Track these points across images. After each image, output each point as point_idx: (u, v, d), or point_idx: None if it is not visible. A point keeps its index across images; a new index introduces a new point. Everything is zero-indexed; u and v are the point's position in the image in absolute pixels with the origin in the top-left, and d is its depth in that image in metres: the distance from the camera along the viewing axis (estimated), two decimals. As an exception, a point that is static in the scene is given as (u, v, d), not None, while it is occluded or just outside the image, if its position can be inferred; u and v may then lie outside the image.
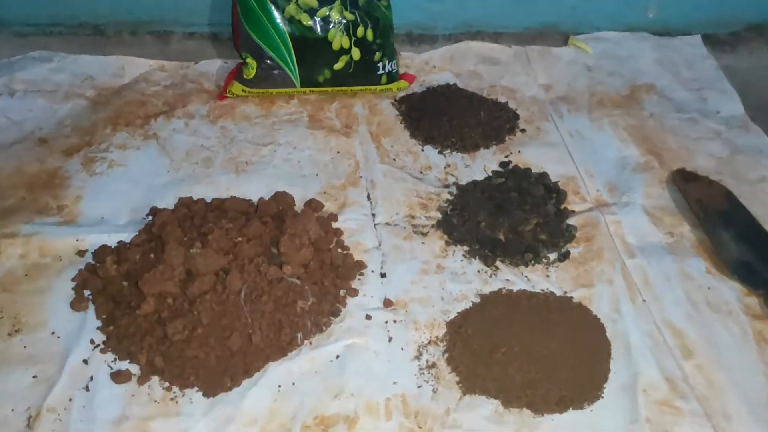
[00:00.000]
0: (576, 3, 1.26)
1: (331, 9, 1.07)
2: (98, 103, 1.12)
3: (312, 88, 1.13)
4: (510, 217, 0.92)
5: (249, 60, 1.09)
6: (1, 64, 1.18)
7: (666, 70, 1.23)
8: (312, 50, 1.08)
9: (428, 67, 1.23)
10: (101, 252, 0.86)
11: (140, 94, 1.14)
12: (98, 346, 0.77)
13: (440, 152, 1.06)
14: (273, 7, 1.05)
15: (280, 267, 0.82)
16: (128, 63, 1.20)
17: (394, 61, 1.14)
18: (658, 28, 1.30)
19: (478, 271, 0.87)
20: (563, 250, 0.90)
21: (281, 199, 0.93)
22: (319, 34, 1.07)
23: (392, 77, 1.14)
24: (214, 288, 0.78)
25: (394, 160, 1.04)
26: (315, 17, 1.06)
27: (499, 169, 1.02)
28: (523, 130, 1.10)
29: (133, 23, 1.24)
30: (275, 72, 1.09)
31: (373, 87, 1.14)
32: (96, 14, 1.22)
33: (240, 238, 0.84)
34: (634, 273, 0.87)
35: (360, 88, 1.14)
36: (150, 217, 0.92)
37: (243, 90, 1.11)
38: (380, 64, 1.12)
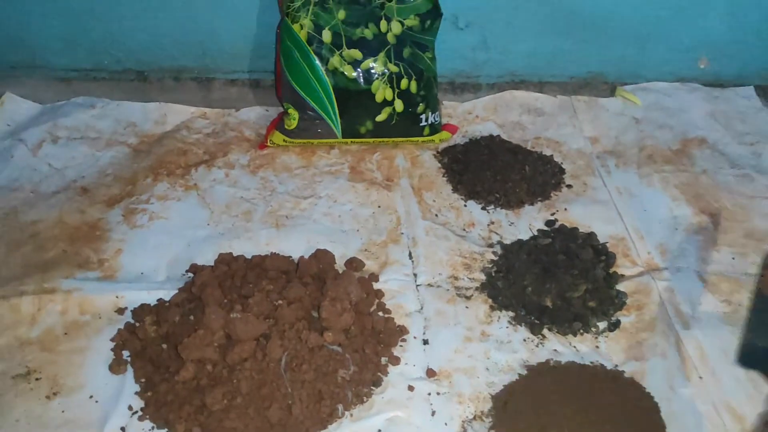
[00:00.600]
0: (624, 52, 1.23)
1: (375, 61, 1.05)
2: (140, 151, 1.12)
3: (353, 139, 1.11)
4: (557, 281, 0.88)
5: (291, 110, 1.08)
6: (45, 109, 1.19)
7: (718, 123, 1.19)
8: (355, 102, 1.07)
9: (471, 116, 1.21)
10: (140, 311, 0.85)
11: (181, 142, 1.14)
12: (136, 412, 0.75)
13: (483, 208, 1.03)
14: (317, 59, 1.04)
15: (320, 333, 0.80)
16: (170, 110, 1.20)
17: (437, 113, 1.12)
18: (710, 78, 1.27)
19: (524, 340, 0.84)
20: (613, 320, 0.86)
21: (322, 257, 0.91)
22: (363, 86, 1.06)
23: (435, 128, 1.13)
24: (254, 355, 0.77)
25: (437, 215, 1.02)
26: (358, 69, 1.05)
27: (545, 228, 0.99)
28: (569, 186, 1.07)
29: (176, 69, 1.24)
30: (317, 123, 1.08)
31: (416, 138, 1.12)
32: (139, 60, 1.23)
33: (280, 302, 0.82)
34: (689, 346, 0.82)
35: (402, 140, 1.12)
36: (189, 275, 0.91)
37: (284, 140, 1.10)
38: (423, 116, 1.10)
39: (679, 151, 1.14)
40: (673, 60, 1.25)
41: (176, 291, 0.87)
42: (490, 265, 0.93)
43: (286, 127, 1.09)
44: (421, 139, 1.13)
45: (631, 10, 1.19)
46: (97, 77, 1.24)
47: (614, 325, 0.85)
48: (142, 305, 0.86)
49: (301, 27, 1.04)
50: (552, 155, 1.12)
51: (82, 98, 1.21)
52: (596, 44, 1.22)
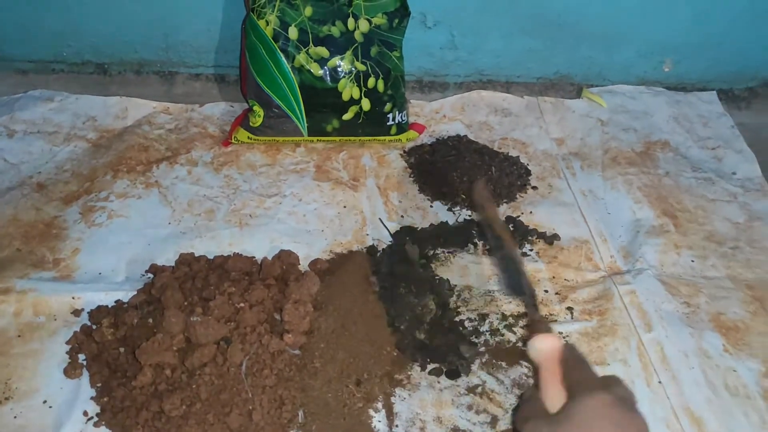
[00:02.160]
0: (590, 54, 1.24)
1: (342, 59, 1.04)
2: (99, 147, 1.09)
3: (320, 138, 1.10)
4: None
5: (256, 108, 1.06)
6: (0, 102, 1.15)
7: (681, 127, 1.20)
8: (321, 100, 1.06)
9: (438, 116, 1.21)
10: (97, 313, 0.83)
11: (143, 138, 1.11)
12: (92, 418, 0.73)
13: (450, 209, 1.03)
14: (282, 56, 1.02)
15: (282, 336, 0.79)
16: (131, 104, 1.17)
17: (405, 112, 1.12)
18: (673, 81, 1.28)
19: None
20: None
21: (285, 258, 0.90)
22: (329, 84, 1.04)
23: (402, 128, 1.12)
24: (214, 360, 0.75)
25: (402, 216, 1.01)
26: (325, 66, 1.04)
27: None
28: (534, 188, 1.07)
29: (138, 62, 1.21)
30: (282, 120, 1.07)
31: (383, 138, 1.11)
32: (100, 52, 1.19)
33: (242, 304, 0.81)
34: (651, 349, 0.83)
35: (369, 139, 1.12)
36: (149, 275, 0.89)
37: (249, 137, 1.09)
38: (390, 115, 1.09)
39: (642, 154, 1.15)
40: (638, 63, 1.26)
41: (135, 292, 0.85)
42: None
43: (251, 124, 1.08)
44: (388, 138, 1.12)
45: (598, 12, 1.19)
46: (55, 69, 1.20)
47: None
48: (99, 307, 0.83)
49: (267, 23, 1.02)
50: (518, 156, 1.12)
51: (40, 91, 1.18)
52: (563, 45, 1.23)
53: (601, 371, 0.79)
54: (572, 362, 0.67)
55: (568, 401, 0.62)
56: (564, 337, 0.85)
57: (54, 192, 1.00)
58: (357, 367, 0.78)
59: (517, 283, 0.80)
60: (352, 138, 1.11)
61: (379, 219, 0.99)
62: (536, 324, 0.72)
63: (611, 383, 0.63)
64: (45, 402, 0.74)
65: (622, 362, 0.82)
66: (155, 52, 1.20)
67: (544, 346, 0.68)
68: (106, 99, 1.18)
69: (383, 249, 0.94)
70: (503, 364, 0.82)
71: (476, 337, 0.84)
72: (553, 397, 0.64)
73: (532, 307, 0.78)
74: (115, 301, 0.85)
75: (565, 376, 0.65)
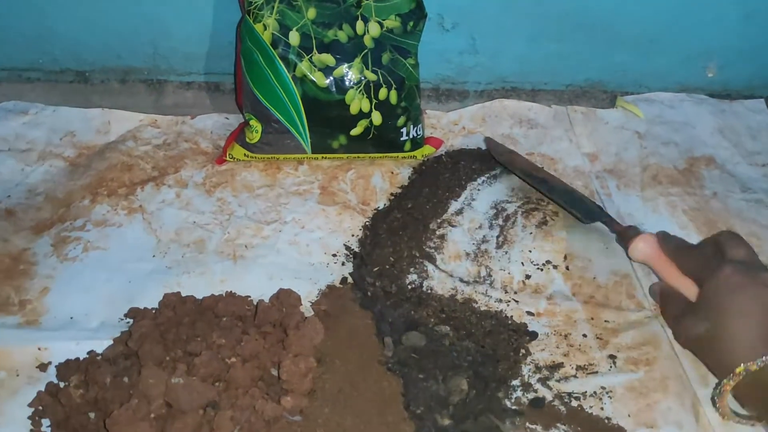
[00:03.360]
0: (625, 59, 1.11)
1: (350, 67, 0.92)
2: (78, 166, 0.97)
3: (325, 155, 0.98)
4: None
5: (253, 122, 0.94)
6: (-32, 115, 1.04)
7: (727, 140, 1.08)
8: (326, 113, 0.94)
9: (457, 128, 1.08)
10: (65, 369, 0.71)
11: (127, 156, 0.99)
12: (53, 503, 0.62)
13: (470, 234, 0.91)
14: (282, 65, 0.90)
15: (278, 399, 0.67)
16: (115, 117, 1.05)
17: (420, 125, 0.99)
18: (717, 88, 1.16)
19: None
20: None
21: (284, 299, 0.78)
22: (336, 95, 0.92)
23: (417, 143, 1.00)
24: (199, 431, 0.64)
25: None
26: (331, 76, 0.92)
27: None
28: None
29: (123, 70, 1.09)
30: (283, 136, 0.95)
31: (395, 154, 1.00)
32: (80, 59, 1.07)
33: (234, 359, 0.69)
34: (709, 409, 0.71)
35: (380, 156, 1.00)
36: (128, 320, 0.77)
37: (245, 154, 0.97)
38: (404, 130, 0.97)
39: (686, 171, 1.02)
40: (678, 68, 1.14)
41: (111, 341, 0.74)
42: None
43: (247, 140, 0.96)
44: (401, 154, 1.00)
45: (633, 12, 1.07)
46: (30, 78, 1.08)
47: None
48: (68, 361, 0.72)
49: (265, 27, 0.90)
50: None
51: (13, 103, 1.06)
52: (595, 49, 1.10)
53: (653, 436, 0.69)
54: (676, 248, 0.76)
55: (701, 286, 0.70)
56: (607, 393, 0.73)
57: (24, 220, 0.88)
58: (368, 437, 0.66)
59: (586, 208, 0.91)
60: (361, 155, 0.99)
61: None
62: (625, 232, 0.83)
63: (725, 243, 0.71)
64: (-1, 482, 0.63)
65: (676, 425, 0.70)
66: (142, 59, 1.08)
67: (643, 248, 0.79)
68: (86, 111, 1.06)
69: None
70: (538, 427, 0.70)
71: (508, 398, 0.72)
72: (684, 286, 0.73)
73: (610, 220, 0.88)
74: (88, 353, 0.73)
75: (680, 263, 0.75)
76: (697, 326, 0.70)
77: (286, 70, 0.91)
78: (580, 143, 1.06)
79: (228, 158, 0.98)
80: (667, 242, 0.78)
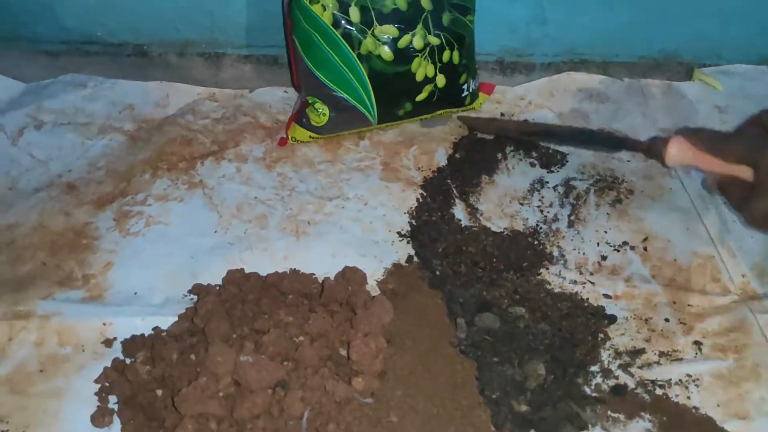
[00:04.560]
0: (702, 28, 1.05)
1: (413, 35, 0.88)
2: (137, 140, 0.96)
3: (389, 123, 0.96)
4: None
5: (318, 105, 0.91)
6: (28, 89, 1.03)
7: (815, 115, 1.01)
8: (393, 85, 0.91)
9: (523, 103, 1.04)
10: (132, 345, 0.70)
11: (186, 130, 0.98)
12: (122, 481, 0.61)
13: (541, 212, 0.87)
14: (346, 45, 0.87)
15: (349, 380, 0.64)
16: (173, 90, 1.04)
17: (476, 77, 0.98)
18: (802, 59, 1.08)
19: None
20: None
21: (351, 277, 0.75)
22: (402, 66, 0.89)
23: (474, 95, 0.98)
24: (269, 411, 0.62)
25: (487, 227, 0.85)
26: (396, 47, 0.88)
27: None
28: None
29: (180, 43, 1.07)
30: (349, 114, 0.92)
31: (455, 110, 0.98)
32: (138, 32, 1.06)
33: (302, 338, 0.67)
34: (808, 404, 0.67)
35: (441, 112, 0.98)
36: (192, 297, 0.75)
37: (310, 137, 0.94)
38: (465, 86, 0.95)
39: (771, 147, 0.96)
40: (758, 38, 1.06)
41: (176, 318, 0.72)
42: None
43: (313, 123, 0.92)
44: (461, 109, 0.99)
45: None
46: (88, 51, 1.07)
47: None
48: (134, 337, 0.70)
49: (324, 8, 0.86)
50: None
51: (71, 76, 1.05)
52: (670, 18, 1.04)
53: (745, 427, 0.65)
54: (713, 140, 0.72)
55: (756, 166, 0.67)
56: (694, 381, 0.69)
57: (86, 194, 0.87)
58: (442, 421, 0.63)
59: (606, 141, 0.91)
60: (423, 117, 0.97)
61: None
62: (654, 145, 0.77)
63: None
64: (68, 458, 0.62)
65: (772, 417, 0.66)
66: (199, 32, 1.06)
67: (678, 151, 0.74)
68: (144, 84, 1.04)
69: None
70: (621, 416, 0.66)
71: (588, 385, 0.68)
72: (738, 171, 0.69)
73: (633, 142, 0.84)
74: (153, 329, 0.71)
75: (723, 153, 0.70)
76: (765, 202, 0.67)
77: (350, 50, 0.87)
78: (655, 118, 1.01)
79: (291, 141, 0.95)
80: (699, 137, 0.73)
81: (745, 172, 0.69)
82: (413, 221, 0.85)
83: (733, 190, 0.71)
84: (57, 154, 0.93)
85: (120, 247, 0.81)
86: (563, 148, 0.94)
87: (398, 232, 0.84)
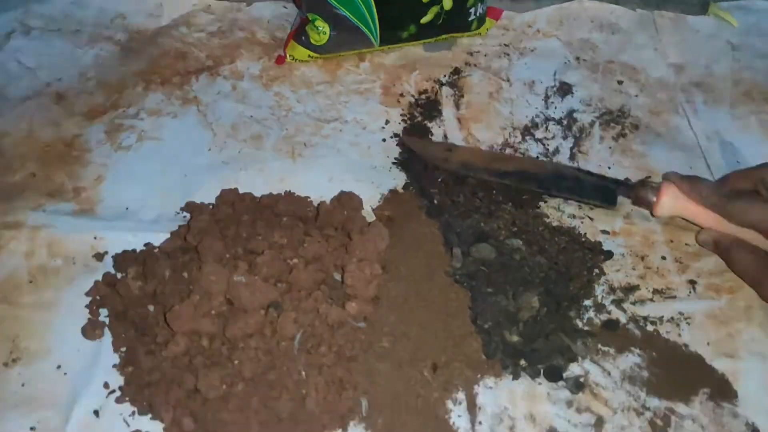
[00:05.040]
0: (722, -41, 1.00)
1: (422, -48, 0.84)
2: (129, 51, 0.92)
3: (391, 45, 0.92)
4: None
5: (319, 23, 0.87)
6: (15, -8, 0.98)
7: (829, 56, 0.98)
8: (397, 6, 0.87)
9: (531, 31, 1.00)
10: (123, 260, 0.69)
11: (180, 42, 0.94)
12: (113, 392, 0.60)
13: (542, 142, 0.85)
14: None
15: (342, 304, 0.64)
16: (167, 0, 0.99)
17: (485, 2, 0.94)
18: (823, -2, 1.04)
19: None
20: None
21: (347, 202, 0.74)
22: (407, -15, 0.85)
23: (481, 20, 0.95)
24: (261, 331, 0.61)
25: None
26: (402, -38, 0.84)
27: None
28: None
29: (176, -52, 1.01)
30: (350, 33, 0.88)
31: (461, 34, 0.95)
32: (131, -66, 1.00)
33: (296, 260, 0.66)
34: (796, 345, 0.67)
35: (445, 37, 0.95)
36: (185, 215, 0.74)
37: (309, 56, 0.90)
38: (472, 10, 0.92)
39: (781, 88, 0.94)
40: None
41: (168, 235, 0.71)
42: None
43: (313, 42, 0.89)
44: (467, 34, 0.95)
45: None
46: (79, -47, 1.01)
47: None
48: (126, 252, 0.69)
49: None
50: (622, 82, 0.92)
51: (61, -21, 1.00)
52: (689, -53, 0.99)
53: (733, 365, 0.66)
54: (708, 196, 0.68)
55: None
56: (685, 319, 0.69)
57: (76, 104, 0.85)
58: (433, 348, 0.63)
59: (600, 190, 0.77)
60: (427, 41, 0.94)
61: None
62: (642, 193, 0.73)
63: None
64: (59, 367, 0.62)
65: (760, 357, 0.66)
66: (195, -63, 1.00)
67: (668, 203, 0.71)
68: (138, -8, 1.00)
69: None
70: (611, 350, 0.66)
71: (580, 319, 0.68)
72: (743, 234, 0.67)
73: (622, 186, 0.76)
74: (145, 245, 0.70)
75: (723, 212, 0.67)
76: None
77: (354, -36, 0.83)
78: (666, 52, 0.97)
79: (289, 59, 0.92)
80: (694, 187, 0.69)
81: (754, 237, 0.65)
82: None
83: (742, 257, 0.68)
84: (46, 61, 0.89)
85: (111, 161, 0.79)
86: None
87: (396, 158, 0.82)
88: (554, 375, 0.63)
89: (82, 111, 0.84)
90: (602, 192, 0.76)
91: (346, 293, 0.65)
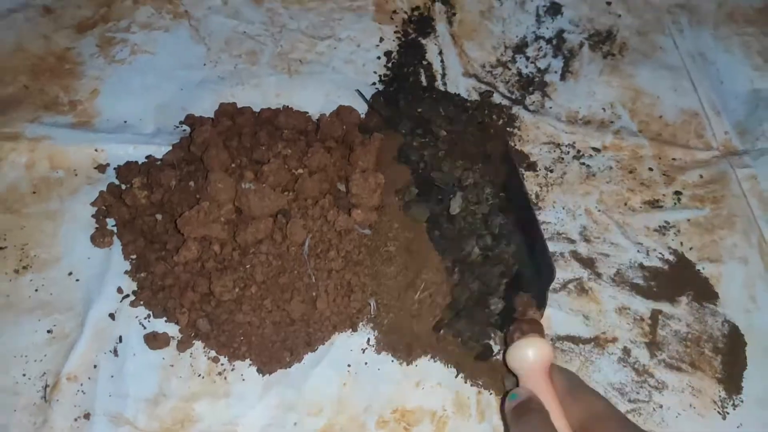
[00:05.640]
0: None
1: None
2: (115, -37, 0.90)
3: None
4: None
5: None
6: None
7: (810, -20, 1.00)
8: None
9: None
10: (127, 171, 0.69)
11: (167, -45, 0.91)
12: (127, 296, 0.62)
13: (533, 61, 0.86)
14: None
15: (348, 212, 0.66)
16: None
17: None
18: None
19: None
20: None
21: (345, 116, 0.75)
22: None
23: None
24: (271, 237, 0.63)
25: (477, 74, 0.85)
26: None
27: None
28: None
29: None
30: (340, -57, 0.87)
31: None
32: None
33: (301, 170, 0.67)
34: (775, 248, 0.72)
35: None
36: (185, 128, 0.74)
37: (297, -35, 0.89)
38: None
39: (762, 11, 0.96)
40: None
41: (169, 147, 0.71)
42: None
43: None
44: None
45: None
46: None
47: None
48: (129, 163, 0.70)
49: None
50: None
51: None
52: None
53: (716, 269, 0.70)
54: (568, 382, 0.54)
55: None
56: (670, 227, 0.73)
57: (64, 17, 0.82)
58: (436, 253, 0.66)
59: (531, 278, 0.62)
60: None
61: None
62: (530, 323, 0.58)
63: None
64: (70, 274, 0.63)
65: (741, 260, 0.70)
66: None
67: (535, 354, 0.55)
68: None
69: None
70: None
71: (576, 224, 0.72)
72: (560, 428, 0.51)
73: (542, 296, 0.60)
74: (146, 157, 0.71)
75: (567, 404, 0.52)
76: None
77: None
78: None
79: (278, -32, 0.90)
80: (562, 373, 0.55)
81: None
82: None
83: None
84: (29, -27, 0.86)
85: (106, 74, 0.78)
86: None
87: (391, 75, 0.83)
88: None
89: (72, 24, 0.82)
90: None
91: (351, 202, 0.67)
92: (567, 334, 0.64)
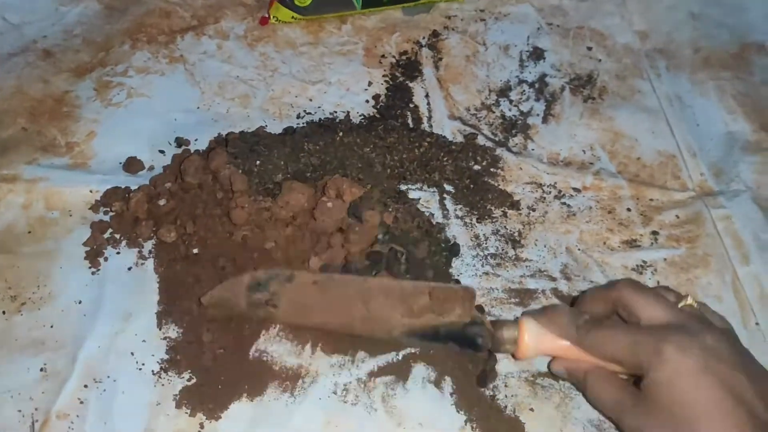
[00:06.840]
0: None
1: None
2: (113, 10, 0.93)
3: (372, 9, 0.95)
4: None
5: None
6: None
7: (781, 27, 1.05)
8: (380, -30, 0.90)
9: (505, -5, 1.04)
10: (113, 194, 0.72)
11: (164, 2, 0.95)
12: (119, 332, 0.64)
13: (516, 105, 0.89)
14: None
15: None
16: (151, -44, 1.00)
17: None
18: (777, -28, 1.10)
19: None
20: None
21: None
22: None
23: None
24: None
25: (465, 114, 0.88)
26: None
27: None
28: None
29: None
30: (335, -5, 0.91)
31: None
32: None
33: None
34: (748, 285, 0.73)
35: (424, 1, 0.98)
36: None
37: (293, 17, 0.93)
38: None
39: (736, 56, 1.00)
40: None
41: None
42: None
43: (297, 3, 0.91)
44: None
45: None
46: None
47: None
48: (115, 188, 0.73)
49: None
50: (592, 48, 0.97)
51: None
52: None
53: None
54: (566, 326, 0.60)
55: (636, 371, 0.56)
56: (648, 267, 0.75)
57: (63, 61, 0.86)
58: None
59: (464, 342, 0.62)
60: (408, 5, 0.97)
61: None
62: (498, 334, 0.61)
63: (632, 303, 0.59)
64: (63, 311, 0.65)
65: (716, 299, 0.72)
66: None
67: (532, 342, 0.60)
68: (120, -53, 1.00)
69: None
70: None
71: (556, 264, 0.74)
72: (606, 365, 0.59)
73: (477, 327, 0.61)
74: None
75: (586, 345, 0.59)
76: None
77: None
78: (631, 20, 1.03)
79: (272, 20, 0.94)
80: (552, 319, 0.60)
81: (616, 367, 0.58)
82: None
83: (599, 388, 0.58)
84: (30, 18, 0.90)
85: (102, 116, 0.81)
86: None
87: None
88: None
89: (70, 68, 0.85)
90: (462, 341, 0.62)
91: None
92: (547, 371, 0.66)
